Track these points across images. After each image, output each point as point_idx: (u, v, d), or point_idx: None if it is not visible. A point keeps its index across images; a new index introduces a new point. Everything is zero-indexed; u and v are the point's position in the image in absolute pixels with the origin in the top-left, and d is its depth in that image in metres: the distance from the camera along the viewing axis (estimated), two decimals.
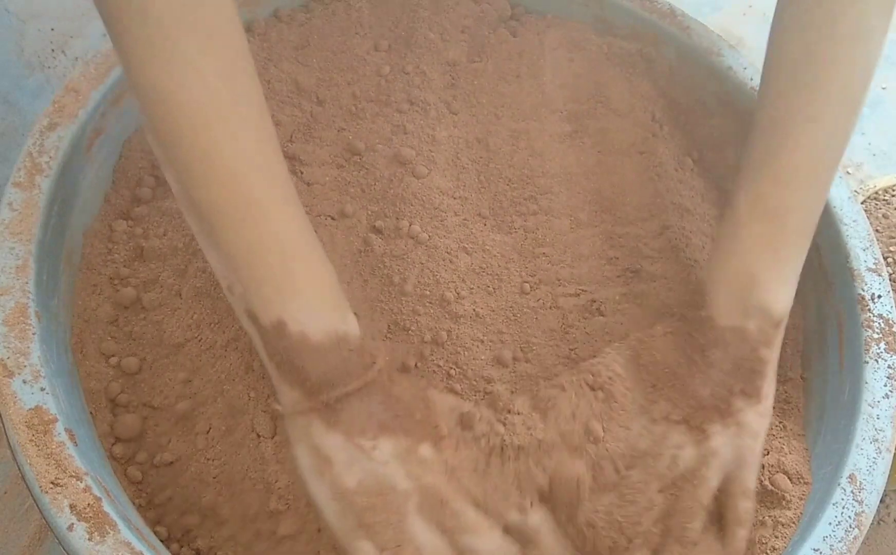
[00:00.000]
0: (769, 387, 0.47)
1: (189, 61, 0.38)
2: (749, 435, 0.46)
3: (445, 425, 0.44)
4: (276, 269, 0.40)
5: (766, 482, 0.48)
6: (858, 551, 0.45)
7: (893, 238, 0.62)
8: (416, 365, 0.50)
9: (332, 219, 0.54)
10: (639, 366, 0.47)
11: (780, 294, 0.47)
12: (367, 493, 0.41)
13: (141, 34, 0.37)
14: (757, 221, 0.46)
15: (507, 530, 0.43)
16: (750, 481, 0.46)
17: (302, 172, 0.56)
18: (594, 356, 0.51)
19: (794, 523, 0.48)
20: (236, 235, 0.40)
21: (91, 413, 0.47)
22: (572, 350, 0.51)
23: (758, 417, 0.46)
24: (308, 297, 0.41)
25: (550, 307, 0.52)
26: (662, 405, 0.46)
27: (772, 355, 0.47)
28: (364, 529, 0.40)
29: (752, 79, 0.62)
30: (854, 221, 0.56)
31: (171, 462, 0.46)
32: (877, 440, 0.48)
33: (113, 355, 0.49)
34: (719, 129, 0.63)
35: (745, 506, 0.46)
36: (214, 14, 0.38)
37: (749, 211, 0.47)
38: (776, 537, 0.47)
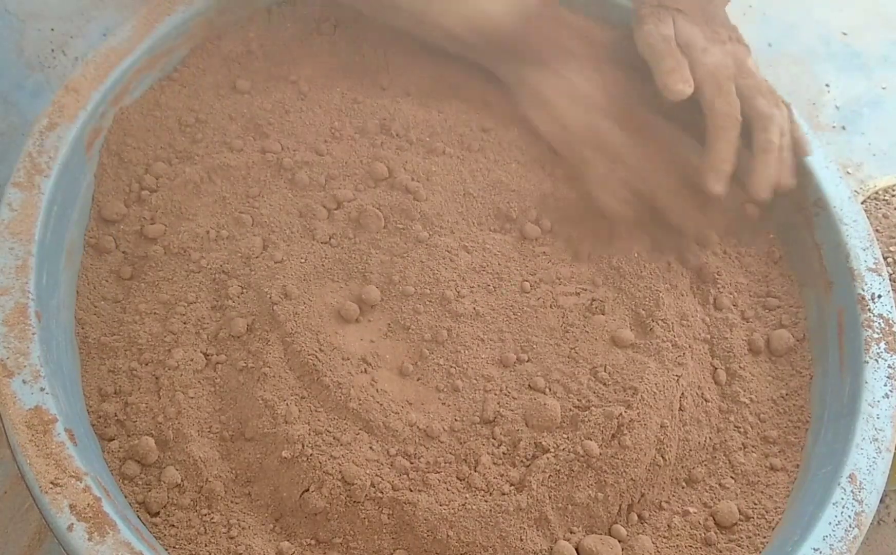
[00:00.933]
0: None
1: None
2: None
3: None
4: None
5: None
6: (858, 551, 0.45)
7: (893, 238, 0.62)
8: (415, 364, 0.50)
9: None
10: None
11: None
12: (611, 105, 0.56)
13: None
14: None
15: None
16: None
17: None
18: (595, 355, 0.51)
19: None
20: None
21: (91, 413, 0.47)
22: (573, 349, 0.51)
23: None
24: None
25: (551, 306, 0.52)
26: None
27: None
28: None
29: None
30: (854, 221, 0.56)
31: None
32: (877, 440, 0.48)
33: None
34: None
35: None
36: None
37: None
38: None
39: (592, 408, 0.48)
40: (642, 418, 0.48)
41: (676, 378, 0.50)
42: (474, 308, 0.51)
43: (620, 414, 0.47)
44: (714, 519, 0.48)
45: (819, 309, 0.56)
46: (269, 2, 0.63)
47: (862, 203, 0.65)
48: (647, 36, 0.57)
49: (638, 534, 0.47)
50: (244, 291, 0.51)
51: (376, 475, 0.45)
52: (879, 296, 0.53)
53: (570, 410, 0.48)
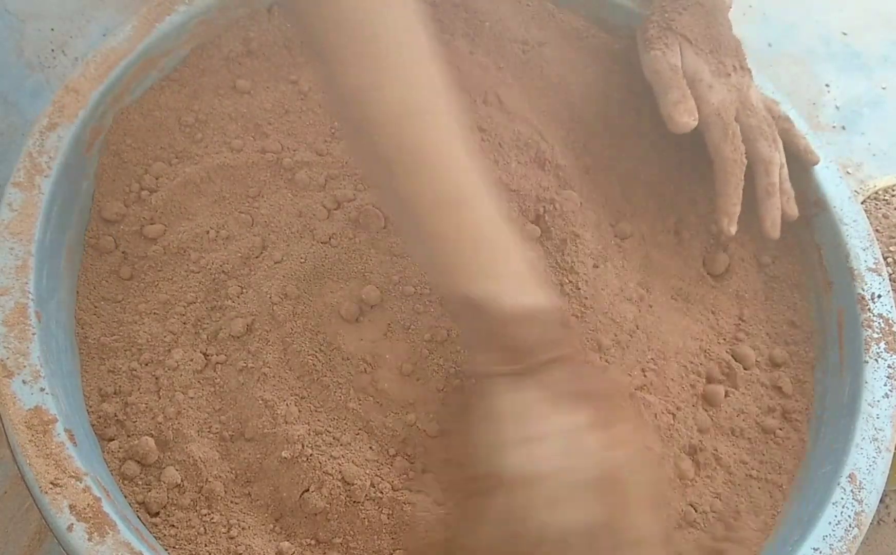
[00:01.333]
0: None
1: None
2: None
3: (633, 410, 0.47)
4: (476, 253, 0.43)
5: None
6: (858, 551, 0.45)
7: (893, 238, 0.62)
8: (415, 364, 0.50)
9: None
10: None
11: None
12: (553, 455, 0.40)
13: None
14: None
15: None
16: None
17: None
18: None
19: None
20: (437, 222, 0.42)
21: (91, 413, 0.47)
22: None
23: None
24: (506, 277, 0.43)
25: None
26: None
27: None
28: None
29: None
30: (854, 221, 0.56)
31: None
32: (877, 440, 0.48)
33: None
34: None
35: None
36: None
37: None
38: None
39: None
40: None
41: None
42: None
43: None
44: None
45: (819, 309, 0.56)
46: (270, 2, 0.63)
47: (862, 203, 0.65)
48: (655, 62, 0.57)
49: None
50: (244, 291, 0.51)
51: (376, 475, 0.45)
52: (879, 296, 0.53)
53: None
